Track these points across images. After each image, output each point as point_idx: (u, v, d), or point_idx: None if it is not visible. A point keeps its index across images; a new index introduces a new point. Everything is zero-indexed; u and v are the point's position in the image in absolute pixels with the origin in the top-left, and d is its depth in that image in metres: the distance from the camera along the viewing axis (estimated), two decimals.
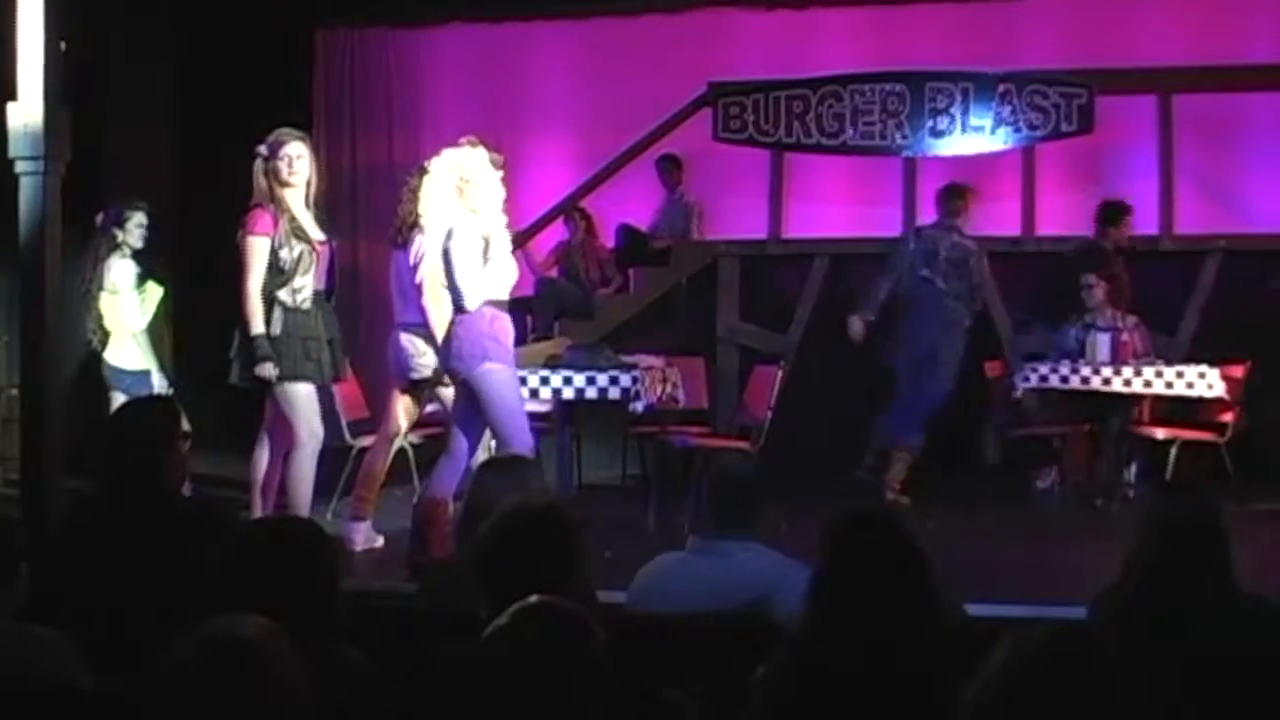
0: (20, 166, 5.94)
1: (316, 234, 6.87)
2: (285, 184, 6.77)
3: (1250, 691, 3.07)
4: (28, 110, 5.92)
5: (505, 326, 6.68)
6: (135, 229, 8.08)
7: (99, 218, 8.11)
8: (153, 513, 4.19)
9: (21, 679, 2.81)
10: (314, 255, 6.81)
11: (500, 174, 6.81)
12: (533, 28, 11.49)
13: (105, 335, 8.01)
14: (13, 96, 5.95)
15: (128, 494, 4.29)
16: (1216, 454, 8.44)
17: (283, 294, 6.73)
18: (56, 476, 6.09)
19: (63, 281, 6.34)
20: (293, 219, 6.77)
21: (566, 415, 8.24)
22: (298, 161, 6.80)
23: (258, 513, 6.89)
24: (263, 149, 6.83)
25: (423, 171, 7.07)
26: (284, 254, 6.72)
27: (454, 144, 6.92)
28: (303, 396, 6.80)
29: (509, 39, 11.53)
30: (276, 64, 11.10)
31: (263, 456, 7.07)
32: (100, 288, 7.98)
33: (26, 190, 5.93)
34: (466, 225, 6.63)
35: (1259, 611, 3.74)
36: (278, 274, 6.73)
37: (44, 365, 6.09)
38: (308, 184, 6.88)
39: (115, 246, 8.03)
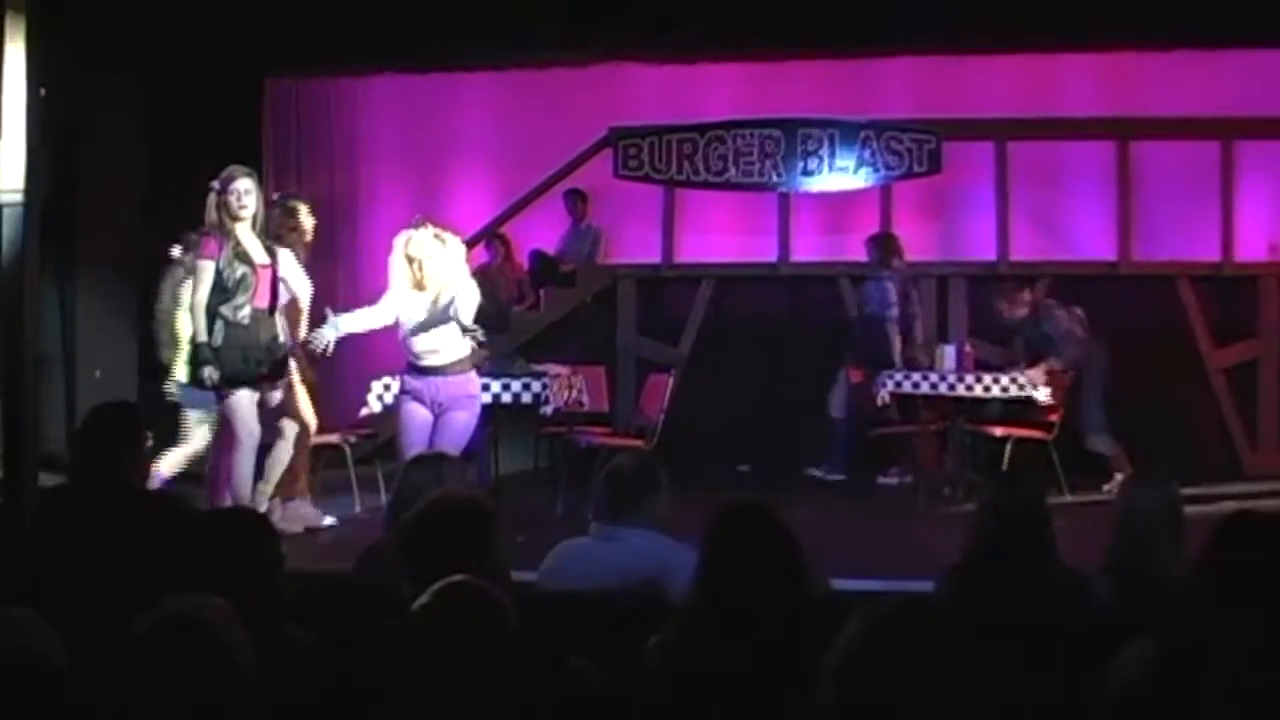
0: (3, 199, 5.86)
1: (261, 258, 6.82)
2: (235, 217, 6.73)
3: (1068, 648, 3.13)
4: (10, 149, 5.84)
5: (420, 385, 6.80)
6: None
7: (177, 247, 7.71)
8: (118, 505, 4.14)
9: (1, 654, 2.77)
10: (255, 276, 6.76)
11: (449, 247, 6.80)
12: (456, 78, 11.44)
13: (176, 352, 7.58)
14: None
15: (97, 488, 4.24)
16: (1045, 450, 8.55)
17: (225, 309, 6.69)
18: (34, 475, 6.01)
19: (38, 303, 6.26)
20: (237, 244, 6.72)
21: (485, 417, 8.20)
22: (245, 196, 6.75)
23: (216, 504, 6.76)
24: (215, 184, 6.77)
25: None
26: (227, 274, 6.68)
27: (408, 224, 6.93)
28: (242, 401, 6.74)
29: (435, 87, 11.48)
30: (230, 108, 10.98)
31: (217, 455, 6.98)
32: (177, 305, 7.53)
33: (9, 221, 5.86)
34: (398, 299, 6.77)
35: (1077, 582, 3.82)
36: (221, 292, 6.69)
37: (24, 376, 6.02)
38: (254, 215, 6.83)
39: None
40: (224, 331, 6.68)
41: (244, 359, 6.74)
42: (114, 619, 2.49)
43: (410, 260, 6.70)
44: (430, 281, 6.70)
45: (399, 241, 6.79)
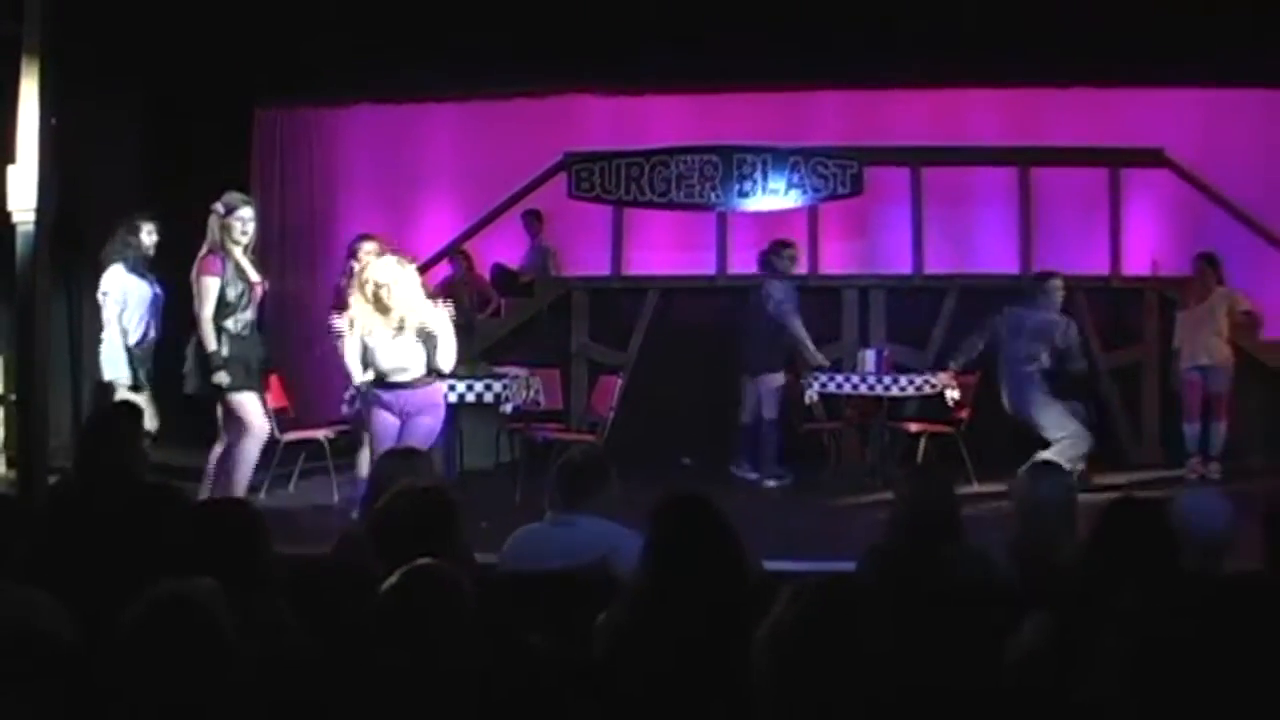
0: (17, 218, 5.90)
1: (254, 276, 6.85)
2: (236, 241, 6.76)
3: (975, 620, 3.15)
4: (24, 174, 5.87)
5: (389, 399, 6.64)
6: (365, 255, 7.47)
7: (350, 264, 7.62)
8: (121, 496, 4.11)
9: (17, 630, 2.75)
10: (252, 293, 6.76)
11: (407, 271, 6.67)
12: (426, 108, 11.41)
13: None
14: (12, 160, 5.90)
15: (102, 481, 4.21)
16: (955, 443, 8.61)
17: (229, 323, 6.70)
18: (45, 469, 5.98)
19: (48, 313, 6.25)
20: (237, 264, 6.74)
21: (451, 415, 8.17)
22: (248, 223, 6.80)
23: (205, 494, 6.73)
24: (219, 208, 6.79)
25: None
26: (230, 291, 6.70)
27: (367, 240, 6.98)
28: (250, 402, 6.77)
29: (407, 117, 11.45)
30: (221, 135, 10.93)
31: (218, 449, 6.97)
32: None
33: (22, 238, 5.88)
34: (360, 324, 6.60)
35: (982, 560, 3.85)
36: (224, 306, 6.69)
37: (35, 378, 6.01)
38: (250, 240, 6.87)
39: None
40: (229, 343, 6.69)
41: (246, 367, 6.80)
42: (117, 600, 2.47)
43: (378, 286, 6.54)
44: (394, 304, 6.53)
45: (361, 268, 6.71)
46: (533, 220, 11.07)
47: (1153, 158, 10.17)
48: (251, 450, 6.81)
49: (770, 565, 4.13)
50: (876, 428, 9.14)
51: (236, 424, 6.82)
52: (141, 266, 7.61)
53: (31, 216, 5.87)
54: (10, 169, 5.94)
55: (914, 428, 8.83)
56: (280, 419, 8.07)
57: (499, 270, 10.97)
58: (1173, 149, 10.16)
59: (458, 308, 10.46)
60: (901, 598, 3.14)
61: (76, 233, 8.56)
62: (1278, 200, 10.27)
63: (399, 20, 9.58)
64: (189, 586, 2.44)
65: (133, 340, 7.49)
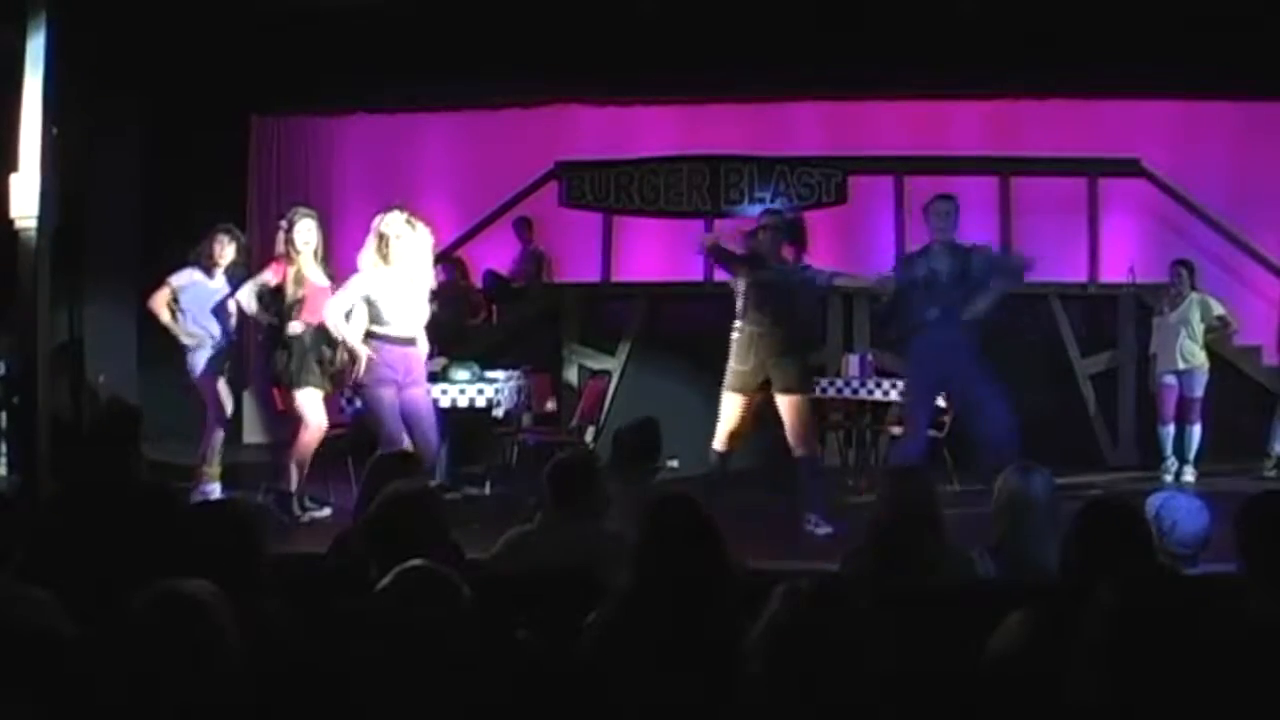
0: (20, 225, 5.95)
1: (319, 280, 7.33)
2: (299, 251, 7.30)
3: (956, 618, 3.15)
4: (26, 182, 5.92)
5: (395, 357, 6.79)
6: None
7: None
8: (121, 495, 4.09)
9: (18, 627, 2.74)
10: (306, 295, 7.23)
11: (418, 232, 6.88)
12: (419, 118, 11.44)
13: None
14: (15, 168, 5.97)
15: (103, 480, 4.20)
16: (937, 445, 8.60)
17: (291, 324, 7.24)
18: (46, 468, 5.98)
19: (49, 316, 6.29)
20: (298, 271, 7.29)
21: (443, 419, 8.17)
22: (307, 233, 7.37)
23: (293, 484, 7.30)
24: (284, 223, 7.44)
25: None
26: (290, 294, 7.28)
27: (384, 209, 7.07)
28: (305, 398, 7.25)
29: (401, 126, 11.47)
30: (221, 143, 10.93)
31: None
32: None
33: (25, 244, 5.92)
34: (368, 278, 6.77)
35: (963, 560, 3.85)
36: (269, 297, 7.33)
37: (36, 380, 6.02)
38: (315, 248, 7.40)
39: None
40: (291, 343, 7.23)
41: (299, 367, 7.21)
42: (115, 599, 2.46)
43: (381, 237, 6.74)
44: (396, 258, 6.77)
45: (375, 221, 6.89)
46: (524, 227, 11.08)
47: (1130, 167, 10.21)
48: (308, 443, 7.27)
49: (755, 565, 4.13)
50: (860, 430, 9.13)
51: (301, 418, 7.30)
52: (214, 270, 7.77)
53: (33, 224, 5.93)
54: (13, 177, 5.97)
55: (896, 430, 8.81)
56: (277, 422, 8.06)
57: (491, 277, 10.96)
58: (1149, 159, 10.21)
59: (451, 313, 10.50)
60: (885, 596, 3.14)
61: (78, 239, 8.57)
62: (1251, 209, 10.33)
63: (394, 32, 9.58)
64: (188, 585, 2.44)
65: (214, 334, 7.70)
